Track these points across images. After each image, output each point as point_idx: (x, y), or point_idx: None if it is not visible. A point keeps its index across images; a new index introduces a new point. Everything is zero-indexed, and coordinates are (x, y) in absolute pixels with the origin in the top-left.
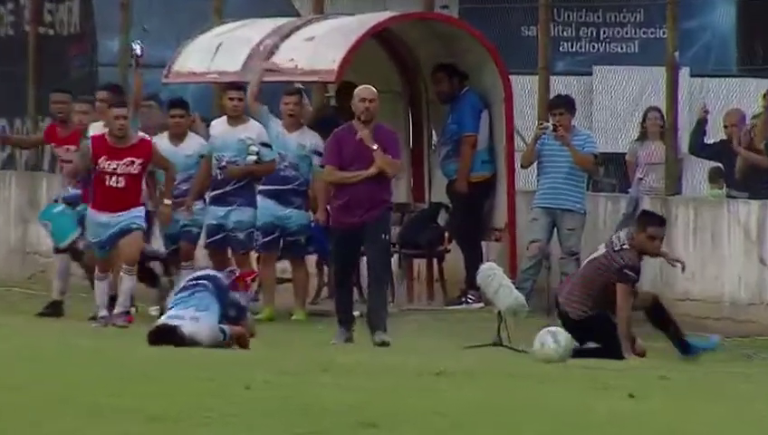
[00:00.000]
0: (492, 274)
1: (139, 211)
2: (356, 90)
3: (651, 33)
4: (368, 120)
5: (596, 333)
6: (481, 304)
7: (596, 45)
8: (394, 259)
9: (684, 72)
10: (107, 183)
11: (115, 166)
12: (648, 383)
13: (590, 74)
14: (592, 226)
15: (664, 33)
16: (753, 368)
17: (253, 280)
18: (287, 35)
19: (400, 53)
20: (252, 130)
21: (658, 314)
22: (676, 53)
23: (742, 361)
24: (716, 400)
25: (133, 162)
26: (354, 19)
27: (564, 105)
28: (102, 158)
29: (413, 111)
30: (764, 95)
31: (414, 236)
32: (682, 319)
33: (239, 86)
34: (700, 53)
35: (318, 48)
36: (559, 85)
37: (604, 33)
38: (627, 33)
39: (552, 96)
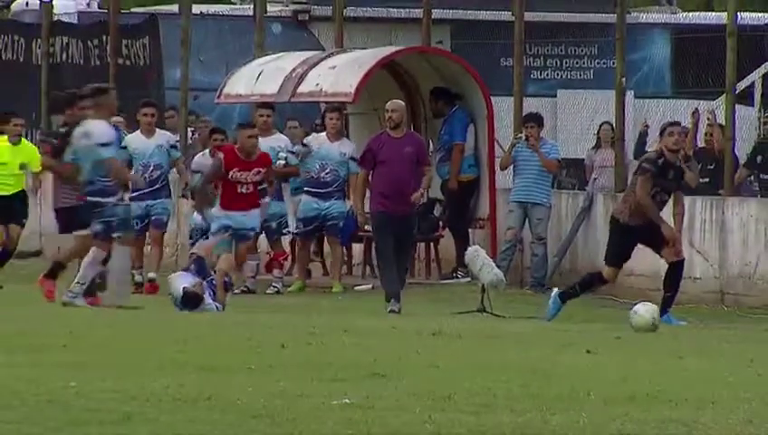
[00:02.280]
0: (477, 255)
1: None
2: (387, 104)
3: (604, 64)
4: (392, 126)
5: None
6: (468, 279)
7: (560, 73)
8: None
9: (629, 95)
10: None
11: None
12: (604, 342)
13: (555, 96)
14: (556, 216)
15: (614, 63)
16: (688, 331)
17: (285, 259)
18: (314, 65)
19: (404, 78)
20: (280, 140)
21: (674, 273)
22: (624, 79)
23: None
24: (659, 355)
25: (259, 172)
26: (368, 52)
27: (535, 120)
28: (234, 169)
29: (414, 125)
30: (692, 113)
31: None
32: (629, 291)
33: (269, 105)
34: (642, 79)
35: (339, 75)
36: (530, 105)
37: (566, 63)
38: (584, 64)
39: (524, 113)
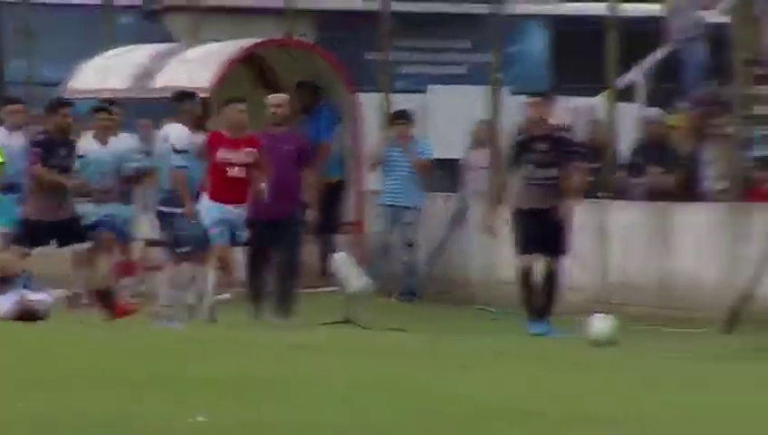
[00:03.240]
0: (343, 261)
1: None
2: (269, 97)
3: (478, 58)
4: (276, 122)
5: None
6: (334, 288)
7: (431, 68)
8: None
9: (505, 91)
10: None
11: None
12: (480, 356)
13: (425, 92)
14: (429, 220)
15: (489, 57)
16: (569, 344)
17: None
18: (167, 59)
19: (265, 73)
20: (127, 140)
21: (550, 282)
22: (499, 75)
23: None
24: (538, 371)
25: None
26: (225, 45)
27: (405, 117)
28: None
29: None
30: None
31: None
32: (504, 299)
33: (113, 102)
34: (519, 75)
35: (194, 70)
36: (399, 101)
37: (438, 57)
38: (457, 58)
39: (394, 110)
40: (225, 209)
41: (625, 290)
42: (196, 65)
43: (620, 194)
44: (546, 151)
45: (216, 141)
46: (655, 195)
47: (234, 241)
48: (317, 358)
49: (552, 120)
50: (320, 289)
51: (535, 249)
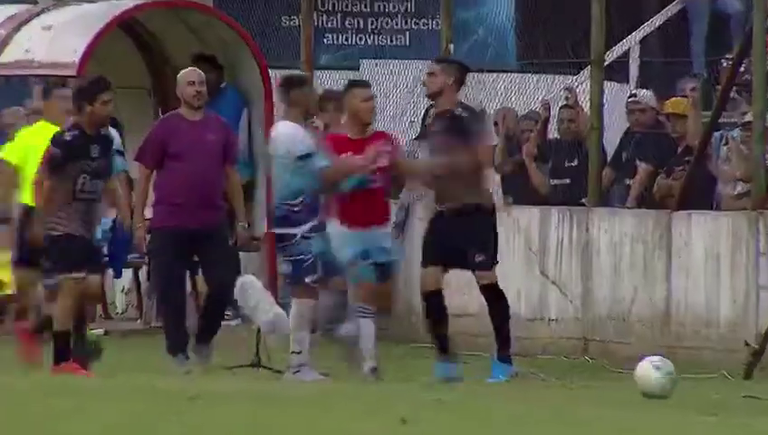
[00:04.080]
0: (250, 287)
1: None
2: (182, 73)
3: (423, 25)
4: (196, 105)
5: None
6: (238, 321)
7: (363, 37)
8: (142, 272)
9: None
10: None
11: None
12: (422, 406)
13: (358, 68)
14: None
15: (437, 24)
16: (536, 391)
17: None
18: (23, 24)
19: (148, 44)
20: None
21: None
22: (451, 46)
23: (526, 381)
24: (497, 424)
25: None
26: (97, 6)
27: (334, 101)
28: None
29: (164, 109)
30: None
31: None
32: (458, 336)
33: None
34: (476, 46)
35: (57, 38)
36: (325, 79)
37: (372, 24)
38: (397, 25)
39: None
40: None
41: (614, 323)
42: (60, 33)
43: (606, 199)
44: (440, 133)
45: (337, 145)
46: (651, 200)
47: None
48: (220, 408)
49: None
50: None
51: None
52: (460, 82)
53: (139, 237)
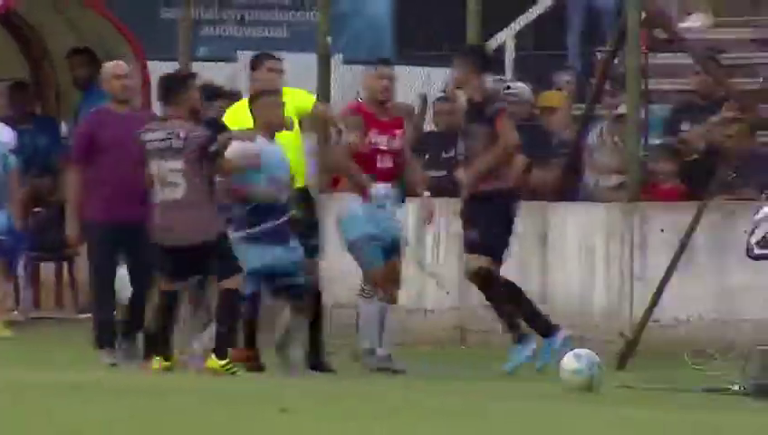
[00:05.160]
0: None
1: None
2: (108, 66)
3: (301, 17)
4: (123, 99)
5: None
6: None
7: (241, 29)
8: (20, 263)
9: (337, 60)
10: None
11: None
12: (306, 396)
13: (236, 60)
14: None
15: (315, 16)
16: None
17: None
18: None
19: (25, 36)
20: None
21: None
22: (329, 39)
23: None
24: (350, 414)
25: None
26: None
27: (218, 95)
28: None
29: (43, 102)
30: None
31: (42, 238)
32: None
33: None
34: (354, 38)
35: None
36: (203, 71)
37: (250, 15)
38: (274, 17)
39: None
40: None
41: (489, 311)
42: None
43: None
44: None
45: (368, 119)
46: (526, 193)
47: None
48: (102, 401)
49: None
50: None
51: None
52: (481, 69)
53: (72, 236)
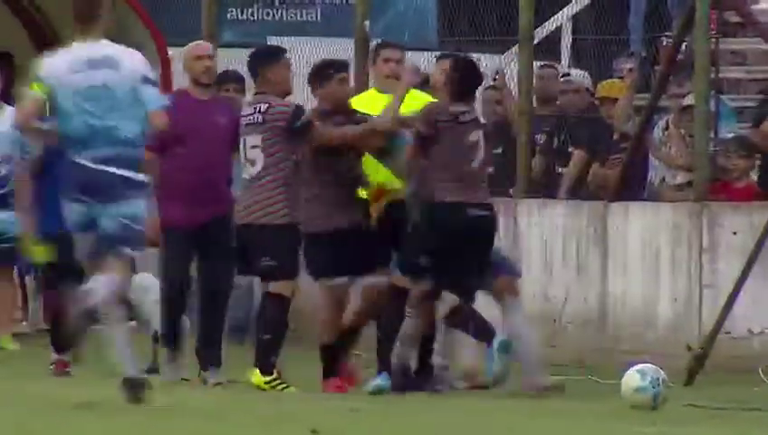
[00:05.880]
0: (146, 286)
1: None
2: (188, 47)
3: (336, 0)
4: (205, 82)
5: None
6: (133, 323)
7: (270, 12)
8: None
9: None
10: None
11: None
12: (335, 415)
13: None
14: None
15: None
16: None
17: None
18: None
19: (35, 20)
20: None
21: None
22: (367, 23)
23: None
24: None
25: None
26: None
27: (234, 81)
28: None
29: None
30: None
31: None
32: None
33: None
34: (395, 22)
35: None
36: (228, 59)
37: None
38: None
39: (221, 70)
40: None
41: (544, 324)
42: None
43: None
44: None
45: None
46: (584, 191)
47: None
48: (111, 418)
49: None
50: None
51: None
52: None
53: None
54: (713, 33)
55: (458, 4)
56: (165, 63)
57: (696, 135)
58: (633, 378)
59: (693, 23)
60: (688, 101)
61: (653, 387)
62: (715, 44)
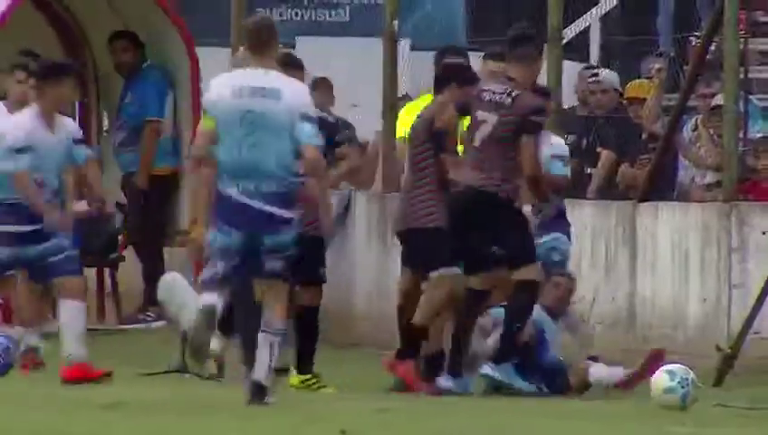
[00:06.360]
0: (175, 286)
1: None
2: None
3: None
4: None
5: None
6: (163, 323)
7: (300, 12)
8: None
9: (404, 45)
10: None
11: None
12: (363, 416)
13: (294, 46)
14: None
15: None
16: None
17: None
18: None
19: (64, 20)
20: None
21: None
22: (396, 23)
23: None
24: None
25: None
26: None
27: None
28: None
29: (82, 89)
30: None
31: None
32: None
33: None
34: (424, 23)
35: None
36: None
37: None
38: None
39: None
40: None
41: None
42: None
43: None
44: None
45: None
46: (613, 191)
47: None
48: (140, 418)
49: None
50: (143, 325)
51: None
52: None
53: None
54: (742, 33)
55: (488, 5)
56: (194, 63)
57: (725, 135)
58: (662, 378)
59: (722, 23)
60: (717, 101)
61: (682, 387)
62: (744, 44)
